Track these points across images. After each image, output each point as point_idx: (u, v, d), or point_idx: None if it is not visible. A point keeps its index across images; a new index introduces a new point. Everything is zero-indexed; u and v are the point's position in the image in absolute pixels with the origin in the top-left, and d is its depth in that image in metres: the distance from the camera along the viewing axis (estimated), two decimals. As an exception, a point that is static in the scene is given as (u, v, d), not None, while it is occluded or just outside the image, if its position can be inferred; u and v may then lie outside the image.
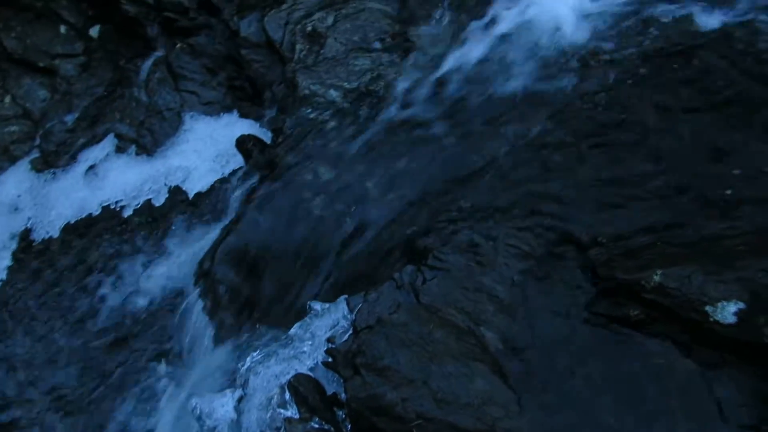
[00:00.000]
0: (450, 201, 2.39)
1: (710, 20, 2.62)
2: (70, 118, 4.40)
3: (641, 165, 2.23)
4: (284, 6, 3.45)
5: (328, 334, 2.17)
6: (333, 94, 2.97)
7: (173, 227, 3.31)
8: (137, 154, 3.78)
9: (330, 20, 3.27)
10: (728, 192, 2.09)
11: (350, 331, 2.11)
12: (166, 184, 3.52)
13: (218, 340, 2.48)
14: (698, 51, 2.47)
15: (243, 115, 3.60)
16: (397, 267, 2.25)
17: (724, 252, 1.96)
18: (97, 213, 3.65)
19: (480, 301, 2.05)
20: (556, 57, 2.74)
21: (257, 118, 3.47)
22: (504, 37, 2.83)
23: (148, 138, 3.82)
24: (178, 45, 4.03)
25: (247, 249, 2.67)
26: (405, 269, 2.19)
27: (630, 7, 2.73)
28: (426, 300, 2.06)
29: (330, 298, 2.31)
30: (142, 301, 3.04)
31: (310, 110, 2.96)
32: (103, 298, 3.20)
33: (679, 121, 2.30)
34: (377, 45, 3.11)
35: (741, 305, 1.81)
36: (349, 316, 2.18)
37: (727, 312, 1.81)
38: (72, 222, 3.67)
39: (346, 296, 2.25)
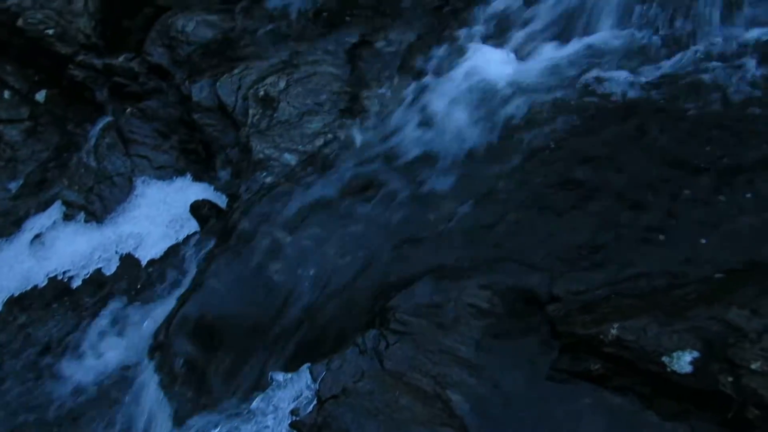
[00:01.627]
0: (409, 261, 2.41)
1: (642, 77, 2.80)
2: (14, 185, 4.27)
3: (591, 220, 2.31)
4: (236, 71, 3.49)
5: (292, 406, 2.12)
6: (287, 157, 2.99)
7: (125, 297, 3.20)
8: (86, 221, 3.67)
9: (282, 84, 3.32)
10: (673, 245, 2.18)
11: (314, 402, 2.06)
12: (117, 252, 3.42)
13: (176, 418, 2.38)
14: (634, 107, 2.62)
15: (197, 178, 3.57)
16: (360, 331, 2.23)
17: (676, 301, 2.03)
18: (44, 284, 3.51)
19: (444, 364, 2.04)
20: (502, 115, 2.85)
21: (211, 182, 3.45)
22: (451, 98, 2.93)
23: (98, 204, 3.73)
24: (129, 109, 4.00)
25: (204, 319, 2.60)
26: (368, 334, 2.18)
27: (566, 67, 2.88)
28: (390, 365, 2.05)
29: (292, 367, 2.27)
30: (93, 378, 2.90)
31: (265, 174, 2.96)
32: (50, 376, 3.04)
33: (621, 176, 2.41)
34: (330, 108, 3.17)
35: (696, 354, 1.86)
36: (312, 386, 2.13)
37: (683, 362, 1.86)
38: (16, 295, 3.51)
39: (309, 364, 2.21)
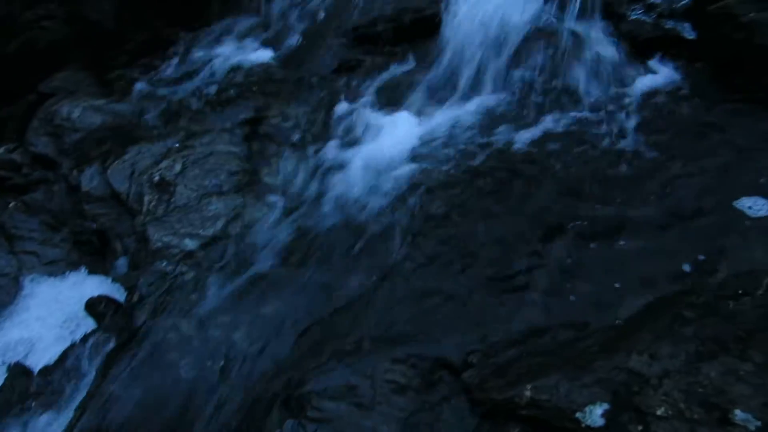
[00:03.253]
0: (321, 342, 2.35)
1: (523, 137, 2.98)
2: None
3: (492, 281, 2.38)
4: (128, 156, 3.37)
5: None
6: (188, 243, 2.89)
7: (15, 412, 2.90)
8: (-33, 330, 3.33)
9: (178, 167, 3.24)
10: (571, 297, 2.27)
11: None
12: (4, 362, 3.11)
13: None
14: (519, 166, 2.77)
15: (92, 271, 3.35)
16: (277, 423, 2.13)
17: (581, 354, 2.10)
18: None
19: (367, 448, 1.99)
20: (398, 182, 2.92)
21: (108, 274, 3.24)
22: (349, 169, 2.97)
23: (-20, 310, 3.41)
24: (12, 204, 3.74)
25: (107, 429, 2.39)
26: (285, 425, 2.09)
27: (454, 131, 3.03)
28: (311, 457, 1.96)
29: (207, 472, 2.12)
30: None
31: (165, 263, 2.83)
32: None
33: (513, 235, 2.52)
34: (230, 187, 3.11)
35: (606, 406, 1.92)
36: (230, 491, 2.00)
37: (595, 415, 1.91)
38: None
39: (224, 467, 2.08)
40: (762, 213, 2.43)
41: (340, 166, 3.07)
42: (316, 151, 3.22)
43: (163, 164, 3.27)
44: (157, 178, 3.21)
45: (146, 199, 3.13)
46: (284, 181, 3.10)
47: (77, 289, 3.27)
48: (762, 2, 2.91)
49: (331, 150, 3.20)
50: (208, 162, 3.27)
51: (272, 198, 3.04)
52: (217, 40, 4.05)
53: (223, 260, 2.82)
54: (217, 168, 3.23)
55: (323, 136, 3.34)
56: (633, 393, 1.89)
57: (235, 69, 3.80)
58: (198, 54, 4.05)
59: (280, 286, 2.63)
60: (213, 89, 3.74)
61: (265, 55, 3.87)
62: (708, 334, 1.99)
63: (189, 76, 3.91)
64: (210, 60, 3.94)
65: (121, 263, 3.15)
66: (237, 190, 3.11)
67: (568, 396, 1.93)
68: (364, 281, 2.51)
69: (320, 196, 2.96)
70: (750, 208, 2.46)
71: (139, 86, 3.96)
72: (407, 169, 2.92)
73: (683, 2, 3.18)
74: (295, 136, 3.32)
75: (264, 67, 3.77)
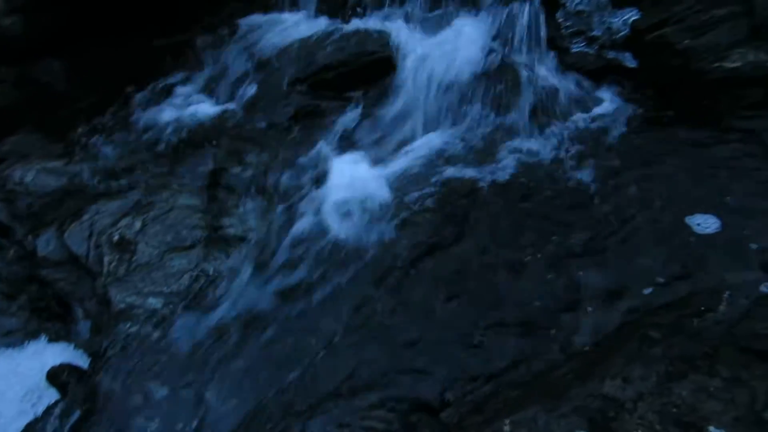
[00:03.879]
0: (296, 393, 2.31)
1: (484, 171, 3.04)
2: None
3: (463, 318, 2.39)
4: (85, 217, 3.30)
5: None
6: (152, 302, 2.82)
7: (-23, 496, 2.74)
8: None
9: (138, 225, 3.18)
10: (542, 327, 2.30)
11: None
12: (-39, 444, 2.95)
13: None
14: (481, 203, 2.83)
15: (52, 339, 3.22)
16: (255, 483, 2.07)
17: (556, 383, 2.11)
18: None
19: (349, 501, 1.94)
20: (363, 224, 2.94)
21: (70, 340, 3.13)
22: (312, 215, 2.98)
23: (-67, 391, 3.24)
24: (-37, 274, 3.60)
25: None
26: (263, 484, 2.02)
27: (413, 169, 3.09)
28: None
29: None
30: None
31: (129, 324, 2.75)
32: None
33: (482, 268, 2.57)
34: (192, 242, 3.07)
35: (584, 434, 1.93)
36: None
37: (575, 445, 1.92)
38: None
39: None
40: (710, 230, 2.53)
41: (303, 213, 3.06)
42: (278, 199, 3.21)
43: (123, 223, 3.21)
44: (116, 237, 3.15)
45: (106, 259, 3.06)
46: (248, 232, 3.07)
47: (38, 359, 3.14)
48: (696, 29, 3.08)
49: (293, 197, 3.20)
50: (169, 217, 3.22)
51: (237, 249, 3.00)
52: (172, 95, 4.04)
53: (190, 316, 2.75)
54: (179, 223, 3.19)
55: (284, 183, 3.33)
56: (609, 419, 1.91)
57: (192, 122, 3.78)
58: (153, 110, 4.03)
59: (250, 340, 2.59)
60: (170, 144, 3.71)
61: (221, 106, 3.87)
62: (676, 353, 2.03)
63: (145, 132, 3.88)
64: (166, 115, 3.92)
65: (83, 328, 3.04)
66: (200, 244, 3.06)
67: (546, 427, 1.93)
68: (335, 327, 2.49)
69: (284, 243, 2.94)
70: (699, 225, 2.56)
71: (94, 146, 3.90)
72: (370, 211, 2.94)
73: (622, 33, 3.33)
74: (256, 186, 3.30)
75: (221, 118, 3.77)
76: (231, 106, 3.85)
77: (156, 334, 2.71)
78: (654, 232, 2.59)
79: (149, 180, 3.48)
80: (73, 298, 3.15)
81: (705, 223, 2.56)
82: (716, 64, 2.96)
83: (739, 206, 2.61)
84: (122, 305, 2.83)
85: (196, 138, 3.68)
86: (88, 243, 3.17)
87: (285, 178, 3.34)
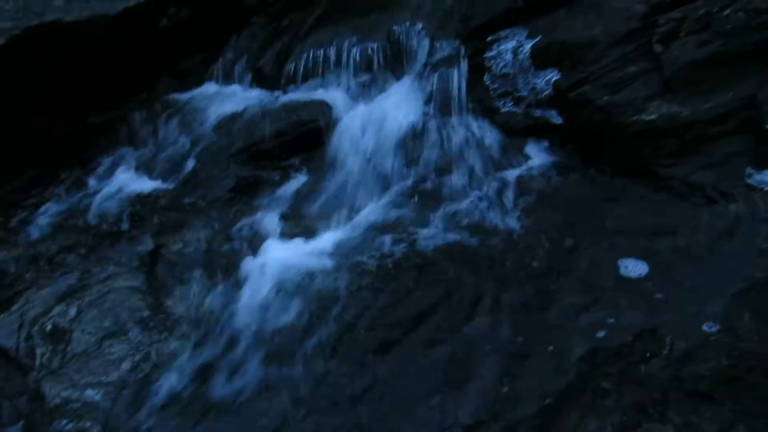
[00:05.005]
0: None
1: (425, 234, 3.09)
2: None
3: (422, 384, 2.37)
4: (15, 308, 3.11)
5: None
6: (90, 394, 2.65)
7: None
8: None
9: (73, 311, 3.03)
10: (501, 384, 2.31)
11: None
12: None
13: None
14: (426, 265, 2.87)
15: (-21, 444, 2.98)
16: None
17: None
18: None
19: None
20: (309, 297, 2.91)
21: (-1, 446, 2.90)
22: (255, 291, 2.95)
23: None
24: None
25: None
26: None
27: (354, 239, 3.11)
28: None
29: None
30: None
31: (65, 421, 2.57)
32: None
33: (429, 331, 2.61)
34: (132, 326, 2.94)
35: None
36: None
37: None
38: None
39: None
40: (642, 274, 2.64)
41: (246, 287, 3.01)
42: (221, 275, 3.14)
43: (56, 310, 3.05)
44: (49, 326, 2.98)
45: (39, 351, 2.88)
46: (190, 311, 2.98)
47: (-39, 469, 2.88)
48: (613, 86, 3.29)
49: (236, 271, 3.14)
50: (107, 301, 3.08)
51: (180, 330, 2.89)
52: (109, 173, 3.95)
53: (133, 406, 2.61)
54: (117, 306, 3.05)
55: (226, 258, 3.27)
56: (571, 476, 1.90)
57: (130, 200, 3.70)
58: (89, 188, 3.92)
59: (199, 422, 2.46)
60: (107, 223, 3.60)
61: (159, 182, 3.81)
62: (627, 402, 2.07)
63: (81, 212, 3.75)
64: (102, 194, 3.81)
65: (14, 430, 2.82)
66: (141, 328, 2.93)
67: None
68: (285, 403, 2.42)
69: (230, 320, 2.87)
70: (630, 270, 2.67)
71: (25, 229, 3.74)
72: (316, 281, 2.92)
73: (546, 92, 3.52)
74: (198, 262, 3.22)
75: (159, 195, 3.70)
76: (169, 181, 3.79)
77: (96, 429, 2.54)
78: (588, 281, 2.68)
79: (84, 263, 3.35)
80: (2, 396, 2.93)
81: (635, 268, 2.67)
82: (635, 118, 3.15)
83: (666, 248, 2.74)
84: (57, 400, 2.65)
85: (135, 216, 3.59)
86: (18, 335, 2.98)
87: (225, 252, 3.28)
